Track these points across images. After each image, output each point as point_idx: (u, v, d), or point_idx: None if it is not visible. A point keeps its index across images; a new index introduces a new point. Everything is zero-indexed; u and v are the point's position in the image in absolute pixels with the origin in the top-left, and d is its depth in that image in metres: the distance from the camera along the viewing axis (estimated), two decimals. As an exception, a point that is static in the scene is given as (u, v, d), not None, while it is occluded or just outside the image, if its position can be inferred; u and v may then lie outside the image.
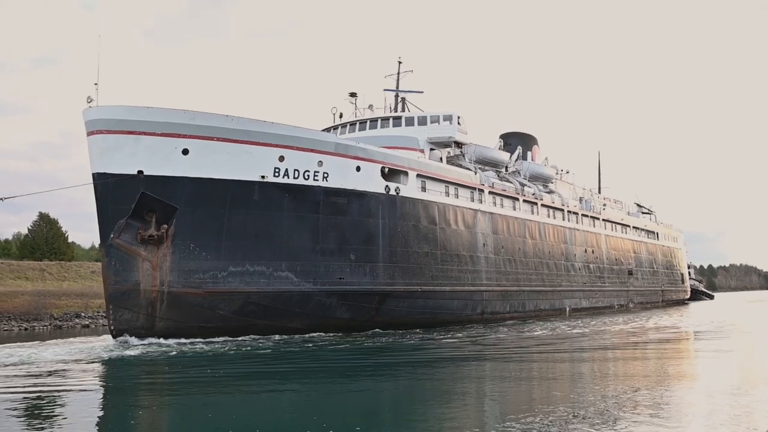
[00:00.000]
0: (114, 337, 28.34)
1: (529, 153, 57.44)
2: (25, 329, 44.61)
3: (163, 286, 28.55)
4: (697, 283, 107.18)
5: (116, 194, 27.98)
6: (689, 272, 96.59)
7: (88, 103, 28.10)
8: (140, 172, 28.05)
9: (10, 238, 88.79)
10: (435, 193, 38.39)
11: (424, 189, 37.63)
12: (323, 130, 42.65)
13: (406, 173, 36.12)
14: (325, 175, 31.74)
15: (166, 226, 28.66)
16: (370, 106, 43.84)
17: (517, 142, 56.26)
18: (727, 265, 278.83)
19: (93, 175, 28.10)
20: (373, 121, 42.41)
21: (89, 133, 28.14)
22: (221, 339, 28.84)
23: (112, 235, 28.17)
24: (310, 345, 27.38)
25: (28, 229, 79.44)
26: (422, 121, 42.04)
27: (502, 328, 36.81)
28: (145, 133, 28.00)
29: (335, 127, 43.41)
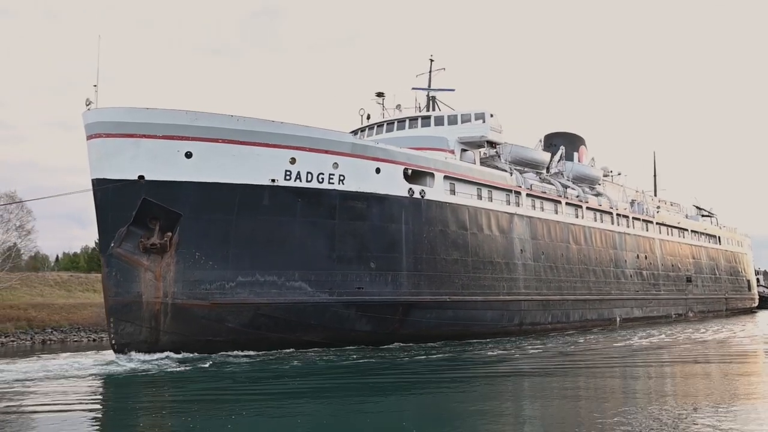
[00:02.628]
0: (116, 352, 26.26)
1: (575, 154, 53.19)
2: (94, 340, 44.56)
3: (167, 298, 26.41)
4: (766, 290, 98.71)
5: (116, 201, 26.03)
6: (757, 279, 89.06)
7: (87, 105, 26.30)
8: (141, 177, 26.02)
9: (79, 251, 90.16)
10: (465, 196, 35.08)
11: (452, 192, 34.38)
12: (351, 132, 40.05)
13: (432, 175, 32.98)
14: (341, 177, 28.98)
15: (170, 233, 26.53)
16: (398, 106, 40.98)
17: (562, 142, 52.19)
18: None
19: (92, 181, 26.27)
20: (401, 121, 39.46)
21: (88, 137, 26.34)
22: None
23: (112, 244, 26.16)
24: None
25: (95, 243, 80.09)
26: (452, 120, 38.80)
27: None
28: (145, 136, 25.99)
29: (362, 129, 40.74)
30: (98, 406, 16.13)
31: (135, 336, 26.39)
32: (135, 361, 24.51)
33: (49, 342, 43.58)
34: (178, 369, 22.81)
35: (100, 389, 19.36)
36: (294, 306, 27.79)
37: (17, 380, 20.02)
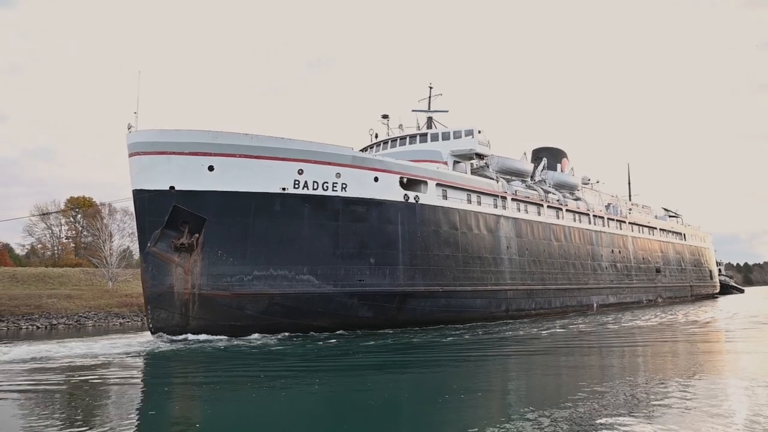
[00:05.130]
0: (152, 333, 24.69)
1: (558, 165, 49.90)
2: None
3: (195, 289, 24.73)
4: (727, 278, 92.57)
5: (152, 208, 24.51)
6: (719, 269, 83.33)
7: (129, 129, 24.84)
8: (172, 187, 24.45)
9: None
10: (456, 201, 32.55)
11: (445, 197, 31.91)
12: (362, 149, 38.02)
13: (425, 182, 30.60)
14: (344, 185, 26.88)
15: (197, 235, 24.88)
16: (400, 126, 38.68)
17: (547, 155, 49.04)
18: (761, 263, 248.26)
19: (133, 191, 24.78)
20: (403, 138, 37.18)
21: (130, 155, 24.88)
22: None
23: (149, 244, 24.61)
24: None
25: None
26: (446, 136, 36.31)
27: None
28: (175, 153, 24.42)
29: (371, 146, 38.55)
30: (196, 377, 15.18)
31: (168, 321, 24.80)
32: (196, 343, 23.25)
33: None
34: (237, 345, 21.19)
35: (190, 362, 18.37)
36: (303, 296, 25.80)
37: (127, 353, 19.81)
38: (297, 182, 25.82)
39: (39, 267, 63.44)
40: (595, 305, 44.39)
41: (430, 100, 40.98)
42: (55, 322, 43.35)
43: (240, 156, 24.86)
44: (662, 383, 11.86)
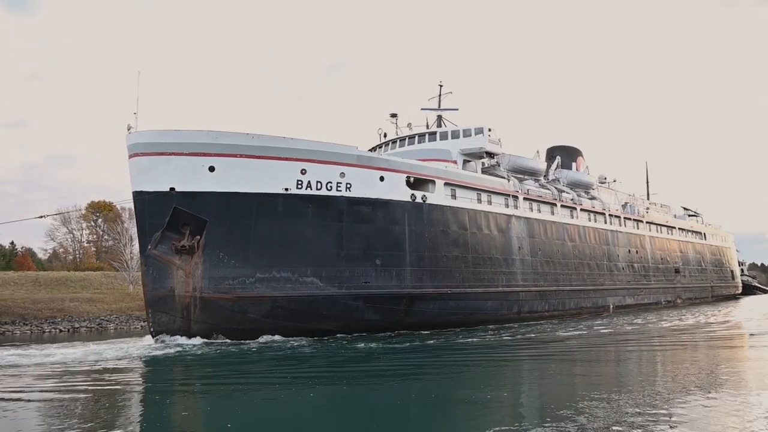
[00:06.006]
0: (153, 337, 23.91)
1: (573, 164, 48.06)
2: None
3: (196, 292, 23.87)
4: (750, 278, 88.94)
5: (152, 210, 23.77)
6: (741, 269, 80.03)
7: (128, 130, 24.15)
8: (172, 188, 23.67)
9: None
10: (465, 200, 31.22)
11: (453, 196, 30.61)
12: (370, 149, 36.96)
13: (433, 182, 29.36)
14: (348, 185, 25.80)
15: (198, 237, 24.04)
16: (409, 125, 37.49)
17: (561, 154, 47.21)
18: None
19: (133, 193, 24.06)
20: (411, 137, 36.01)
21: (129, 156, 24.20)
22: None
23: (149, 246, 23.85)
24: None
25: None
26: (455, 134, 35.02)
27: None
28: (175, 154, 23.64)
29: (380, 146, 37.44)
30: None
31: (170, 324, 24.00)
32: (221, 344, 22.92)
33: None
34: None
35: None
36: (307, 298, 24.78)
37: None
38: (300, 182, 24.84)
39: (61, 271, 63.64)
40: (611, 306, 42.54)
41: (440, 98, 39.76)
42: (77, 325, 43.07)
43: (241, 156, 23.98)
44: (685, 393, 10.54)
